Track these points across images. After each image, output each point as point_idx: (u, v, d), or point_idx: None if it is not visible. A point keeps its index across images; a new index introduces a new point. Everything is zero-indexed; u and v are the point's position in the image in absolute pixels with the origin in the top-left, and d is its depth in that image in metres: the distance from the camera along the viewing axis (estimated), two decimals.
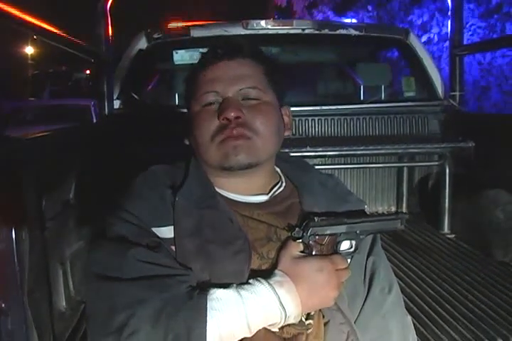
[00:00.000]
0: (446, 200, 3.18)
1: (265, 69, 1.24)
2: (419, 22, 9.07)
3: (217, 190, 1.21)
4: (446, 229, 3.20)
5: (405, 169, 3.61)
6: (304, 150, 2.90)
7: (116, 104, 3.34)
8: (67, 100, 12.18)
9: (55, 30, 2.32)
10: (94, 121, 10.57)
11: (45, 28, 2.21)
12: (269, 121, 1.18)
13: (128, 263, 1.05)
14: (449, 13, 3.59)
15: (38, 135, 1.94)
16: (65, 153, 2.11)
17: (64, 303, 1.89)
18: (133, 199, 1.16)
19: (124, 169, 2.69)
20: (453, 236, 3.15)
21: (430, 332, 1.93)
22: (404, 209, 3.61)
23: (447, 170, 3.20)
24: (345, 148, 3.05)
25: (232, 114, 1.14)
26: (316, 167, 1.52)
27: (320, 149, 3.01)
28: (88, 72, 21.34)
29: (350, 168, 3.52)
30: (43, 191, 1.78)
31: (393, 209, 3.67)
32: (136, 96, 3.43)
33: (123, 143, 2.92)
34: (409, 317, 1.34)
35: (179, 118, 3.15)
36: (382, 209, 3.65)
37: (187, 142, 1.26)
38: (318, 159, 3.24)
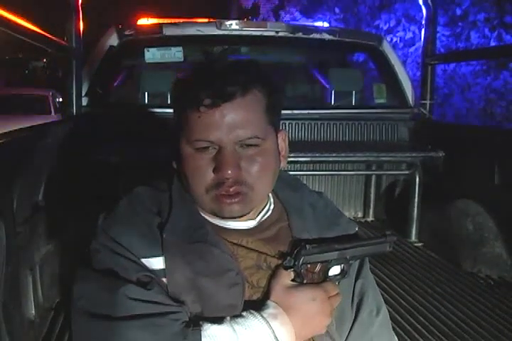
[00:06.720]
0: (415, 209, 3.19)
1: (267, 101, 1.12)
2: (385, 27, 9.15)
3: (203, 216, 1.16)
4: (413, 238, 3.21)
5: (373, 176, 3.62)
6: None
7: (84, 101, 3.25)
8: (23, 89, 11.95)
9: (21, 22, 2.20)
10: (52, 110, 10.40)
11: (10, 19, 2.07)
12: (266, 172, 1.12)
13: (119, 301, 1.01)
14: (423, 22, 3.61)
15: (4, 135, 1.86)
16: (33, 153, 2.03)
17: (33, 311, 1.83)
18: (119, 226, 1.10)
19: (92, 169, 2.64)
20: (420, 244, 3.17)
21: None
22: (370, 216, 3.63)
23: (417, 179, 3.20)
24: (317, 155, 3.03)
25: (230, 172, 1.06)
26: None
27: (292, 155, 2.98)
28: (45, 60, 20.91)
29: (318, 175, 3.51)
30: (14, 195, 1.72)
31: (360, 215, 3.67)
32: (104, 94, 3.35)
33: (92, 141, 2.84)
34: (396, 339, 1.33)
35: (147, 118, 3.10)
36: (348, 215, 3.64)
37: (174, 165, 1.18)
38: (289, 165, 3.21)
